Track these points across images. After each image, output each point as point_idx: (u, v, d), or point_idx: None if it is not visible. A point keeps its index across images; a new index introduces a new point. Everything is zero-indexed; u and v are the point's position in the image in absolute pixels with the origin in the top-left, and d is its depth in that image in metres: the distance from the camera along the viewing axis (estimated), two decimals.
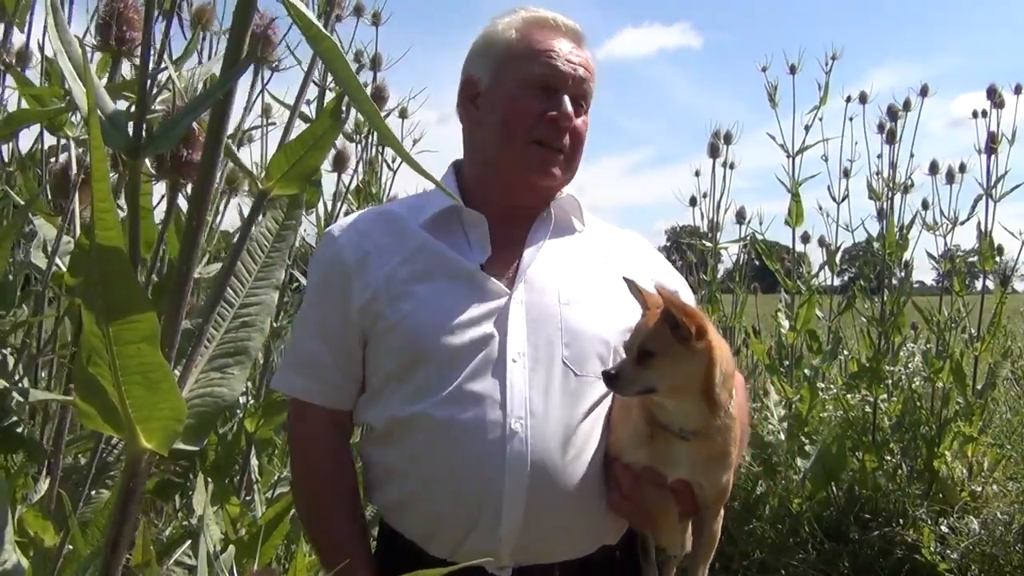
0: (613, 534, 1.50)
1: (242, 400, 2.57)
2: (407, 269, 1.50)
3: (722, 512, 1.50)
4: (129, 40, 1.34)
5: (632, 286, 1.41)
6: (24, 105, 1.71)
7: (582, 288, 1.52)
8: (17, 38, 2.05)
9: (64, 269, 1.69)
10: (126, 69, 1.45)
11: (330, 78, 2.81)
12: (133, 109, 0.66)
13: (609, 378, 1.34)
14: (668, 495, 1.42)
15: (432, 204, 1.58)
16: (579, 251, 1.60)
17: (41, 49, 2.00)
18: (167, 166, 1.01)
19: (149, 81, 0.66)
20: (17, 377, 1.75)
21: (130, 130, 0.63)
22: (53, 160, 1.93)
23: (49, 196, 1.77)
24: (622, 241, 1.69)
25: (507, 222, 1.56)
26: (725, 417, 1.39)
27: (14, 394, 1.63)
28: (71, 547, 1.24)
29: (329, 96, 2.78)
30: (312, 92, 2.95)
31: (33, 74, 2.09)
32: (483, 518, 1.39)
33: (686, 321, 1.33)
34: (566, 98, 1.52)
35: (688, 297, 1.67)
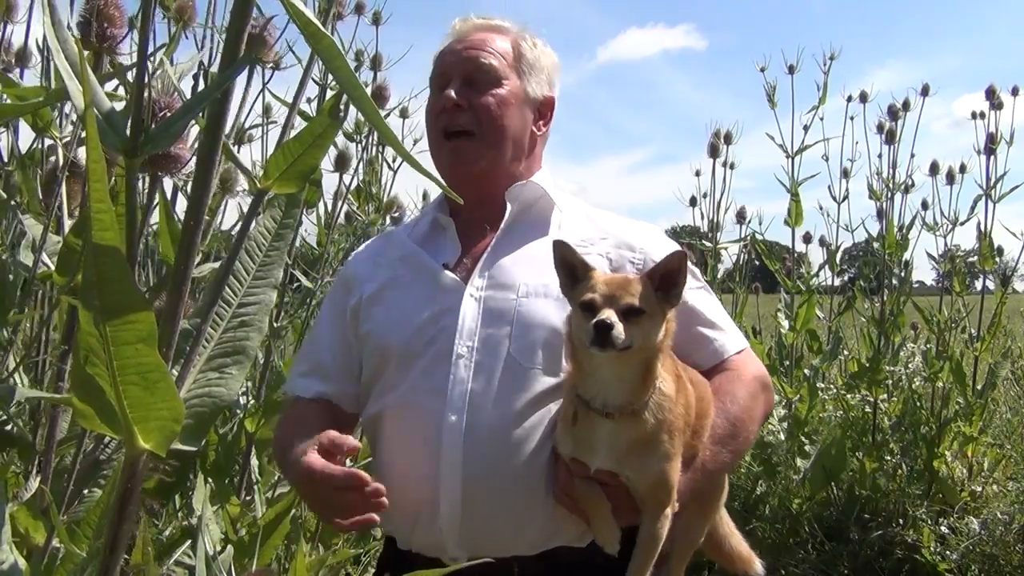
0: (573, 535, 1.45)
1: (242, 400, 2.57)
2: (387, 277, 1.60)
3: (668, 514, 1.38)
4: (110, 37, 1.33)
5: (560, 247, 1.38)
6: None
7: (546, 279, 1.49)
8: (17, 38, 2.05)
9: (52, 267, 1.68)
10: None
11: (331, 77, 2.81)
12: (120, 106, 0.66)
13: (604, 328, 1.26)
14: (595, 487, 1.38)
15: (425, 216, 1.70)
16: (549, 241, 1.59)
17: (40, 49, 2.00)
18: (147, 160, 0.99)
19: (142, 79, 0.66)
20: (5, 374, 1.75)
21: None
22: (52, 159, 1.93)
23: (40, 195, 1.78)
24: (615, 229, 1.63)
25: (477, 219, 1.61)
26: (657, 394, 1.34)
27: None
28: (59, 544, 1.24)
29: (330, 95, 2.78)
30: (313, 91, 2.95)
31: (32, 75, 2.09)
32: (423, 510, 1.42)
33: (681, 283, 1.35)
34: (454, 83, 1.58)
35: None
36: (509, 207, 1.60)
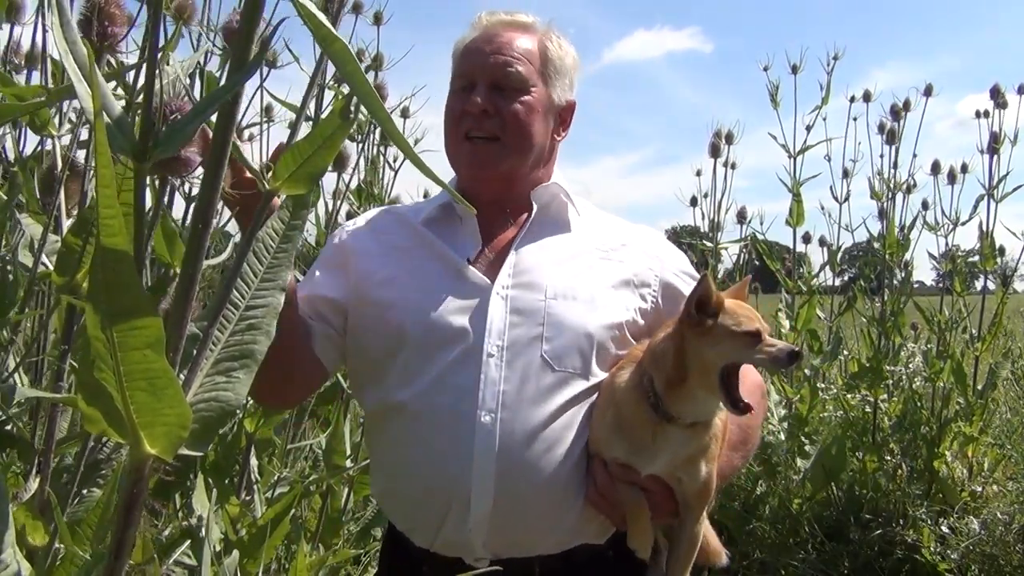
0: (595, 533, 1.49)
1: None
2: (400, 259, 1.55)
3: (704, 516, 1.48)
4: (111, 35, 1.31)
5: (706, 282, 1.41)
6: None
7: (573, 283, 1.51)
8: (23, 39, 2.04)
9: (51, 268, 1.67)
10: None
11: (329, 76, 2.80)
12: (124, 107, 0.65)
13: (797, 353, 1.38)
14: (640, 493, 1.42)
15: (432, 203, 1.65)
16: (575, 245, 1.60)
17: (44, 50, 1.99)
18: (156, 164, 0.97)
19: (152, 82, 0.65)
20: (5, 374, 1.74)
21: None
22: (51, 159, 1.92)
23: (38, 194, 1.77)
24: (631, 236, 1.66)
25: (497, 217, 1.59)
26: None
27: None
28: (61, 545, 1.23)
29: (328, 95, 2.78)
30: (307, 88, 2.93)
31: (36, 75, 2.08)
32: (453, 509, 1.41)
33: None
34: (480, 88, 1.55)
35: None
36: (535, 207, 1.60)
